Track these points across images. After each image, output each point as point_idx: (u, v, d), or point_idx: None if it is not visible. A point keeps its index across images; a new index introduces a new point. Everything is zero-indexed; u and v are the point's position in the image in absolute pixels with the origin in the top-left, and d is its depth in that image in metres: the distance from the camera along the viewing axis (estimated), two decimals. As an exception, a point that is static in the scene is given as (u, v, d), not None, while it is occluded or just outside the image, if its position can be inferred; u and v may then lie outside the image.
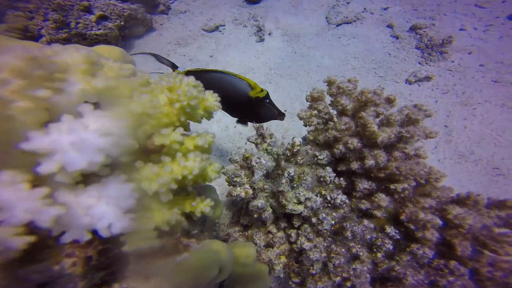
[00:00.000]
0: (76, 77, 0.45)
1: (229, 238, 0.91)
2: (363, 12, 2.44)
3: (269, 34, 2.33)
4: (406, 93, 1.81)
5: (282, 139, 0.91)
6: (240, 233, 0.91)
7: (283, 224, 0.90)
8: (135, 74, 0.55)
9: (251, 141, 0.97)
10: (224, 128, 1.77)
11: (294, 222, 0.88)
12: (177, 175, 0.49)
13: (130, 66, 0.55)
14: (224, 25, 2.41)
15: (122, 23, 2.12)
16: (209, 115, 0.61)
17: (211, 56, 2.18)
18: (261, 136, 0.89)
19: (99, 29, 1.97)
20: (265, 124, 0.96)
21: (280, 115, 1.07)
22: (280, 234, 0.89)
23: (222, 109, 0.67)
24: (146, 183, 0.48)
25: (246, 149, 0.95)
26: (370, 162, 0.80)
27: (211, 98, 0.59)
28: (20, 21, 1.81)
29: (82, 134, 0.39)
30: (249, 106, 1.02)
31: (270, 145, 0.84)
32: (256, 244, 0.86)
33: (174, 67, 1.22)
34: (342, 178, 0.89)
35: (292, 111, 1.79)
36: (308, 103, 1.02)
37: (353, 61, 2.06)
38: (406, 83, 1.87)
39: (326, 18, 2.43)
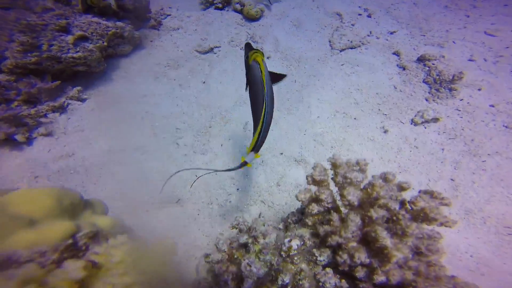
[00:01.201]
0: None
1: None
2: (368, 36, 2.29)
3: (267, 58, 2.17)
4: (411, 137, 1.69)
5: (276, 237, 0.78)
6: None
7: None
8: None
9: (234, 227, 0.84)
10: (213, 173, 1.63)
11: None
12: None
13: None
14: (220, 47, 2.24)
15: (105, 43, 1.93)
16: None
17: (204, 82, 2.02)
18: (253, 236, 0.76)
19: (77, 51, 1.78)
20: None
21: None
22: None
23: None
24: None
25: (232, 241, 0.82)
26: (380, 278, 0.68)
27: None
28: None
29: None
30: None
31: (263, 252, 0.72)
32: None
33: None
34: (344, 281, 0.77)
35: (289, 155, 1.66)
36: (309, 184, 0.89)
37: (356, 94, 1.93)
38: (411, 123, 1.75)
39: (330, 41, 2.28)
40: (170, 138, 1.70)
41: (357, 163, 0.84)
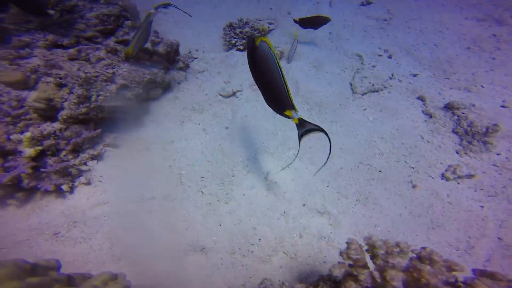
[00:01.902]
0: None
1: None
2: (390, 78, 2.30)
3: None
4: (443, 193, 1.63)
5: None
6: None
7: None
8: None
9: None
10: (237, 221, 1.66)
11: None
12: None
13: None
14: (242, 91, 2.35)
15: (141, 90, 2.10)
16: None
17: (227, 128, 2.10)
18: None
19: (117, 100, 1.94)
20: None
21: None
22: None
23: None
24: None
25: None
26: None
27: None
28: (49, 90, 1.78)
29: None
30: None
31: None
32: None
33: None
34: None
35: (312, 206, 1.65)
36: (344, 259, 0.88)
37: (380, 143, 1.92)
38: (442, 179, 1.69)
39: (351, 84, 2.32)
40: (196, 187, 1.76)
41: (397, 245, 0.82)
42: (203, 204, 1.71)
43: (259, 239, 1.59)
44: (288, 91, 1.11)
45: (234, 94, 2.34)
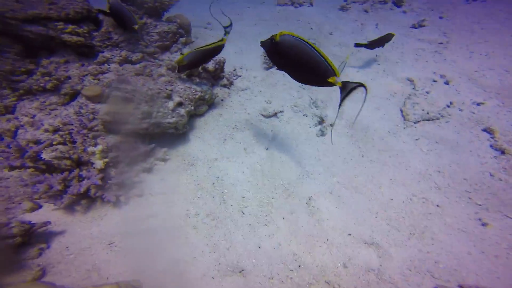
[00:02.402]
0: None
1: None
2: (448, 107, 2.14)
3: (331, 125, 2.20)
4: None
5: None
6: None
7: None
8: None
9: None
10: (276, 245, 1.63)
11: None
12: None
13: None
14: (283, 111, 2.39)
15: (192, 107, 2.23)
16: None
17: (267, 149, 2.14)
18: None
19: (173, 117, 2.05)
20: None
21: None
22: None
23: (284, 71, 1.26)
24: None
25: None
26: None
27: None
28: (118, 104, 2.02)
29: None
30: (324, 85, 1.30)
31: None
32: None
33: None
34: None
35: (358, 236, 1.56)
36: None
37: (436, 177, 1.76)
38: (521, 225, 1.47)
39: (401, 111, 2.20)
40: (237, 206, 1.80)
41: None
42: (243, 224, 1.73)
43: (299, 266, 1.54)
44: (327, 59, 1.22)
45: (275, 114, 2.39)
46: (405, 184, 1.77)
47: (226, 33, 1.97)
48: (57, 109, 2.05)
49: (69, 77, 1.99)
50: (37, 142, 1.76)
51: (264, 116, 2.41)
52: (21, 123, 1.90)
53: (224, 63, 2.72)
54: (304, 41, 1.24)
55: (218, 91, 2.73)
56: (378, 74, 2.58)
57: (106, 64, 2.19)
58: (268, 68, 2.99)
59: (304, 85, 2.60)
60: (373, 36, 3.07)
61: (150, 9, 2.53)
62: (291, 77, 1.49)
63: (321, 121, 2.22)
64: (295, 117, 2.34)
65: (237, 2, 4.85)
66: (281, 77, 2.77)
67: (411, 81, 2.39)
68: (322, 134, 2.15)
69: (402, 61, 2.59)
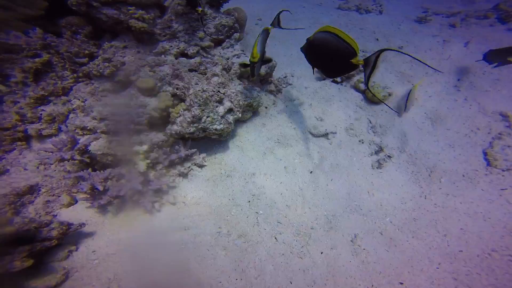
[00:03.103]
0: None
1: None
2: (552, 157, 1.71)
3: (389, 156, 1.93)
4: None
5: None
6: None
7: None
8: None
9: None
10: (311, 283, 1.49)
11: None
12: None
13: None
14: (335, 133, 2.19)
15: (240, 115, 2.17)
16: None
17: (311, 173, 1.98)
18: None
19: (221, 123, 1.98)
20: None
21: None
22: None
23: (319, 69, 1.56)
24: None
25: None
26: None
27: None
28: (167, 101, 2.00)
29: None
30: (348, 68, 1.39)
31: None
32: None
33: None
34: None
35: (413, 287, 1.34)
36: None
37: (527, 244, 1.42)
38: None
39: (485, 153, 1.86)
40: (271, 231, 1.71)
41: None
42: (276, 253, 1.63)
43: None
44: (345, 40, 1.29)
45: (326, 135, 2.21)
46: (481, 237, 1.50)
47: (273, 25, 1.86)
48: (107, 96, 2.14)
49: (124, 63, 2.04)
50: (84, 128, 1.84)
51: (312, 134, 2.25)
52: (73, 107, 2.01)
53: (275, 67, 2.58)
54: (331, 32, 1.34)
55: (263, 97, 2.62)
56: (457, 102, 2.21)
57: (163, 55, 2.18)
58: (320, 79, 2.78)
59: (364, 104, 2.35)
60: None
61: (212, -1, 2.45)
62: (323, 73, 1.73)
63: (379, 150, 1.98)
64: (349, 141, 2.13)
65: (290, 0, 4.59)
66: (337, 92, 2.56)
67: (505, 116, 1.98)
68: (379, 166, 1.91)
69: (495, 90, 2.19)
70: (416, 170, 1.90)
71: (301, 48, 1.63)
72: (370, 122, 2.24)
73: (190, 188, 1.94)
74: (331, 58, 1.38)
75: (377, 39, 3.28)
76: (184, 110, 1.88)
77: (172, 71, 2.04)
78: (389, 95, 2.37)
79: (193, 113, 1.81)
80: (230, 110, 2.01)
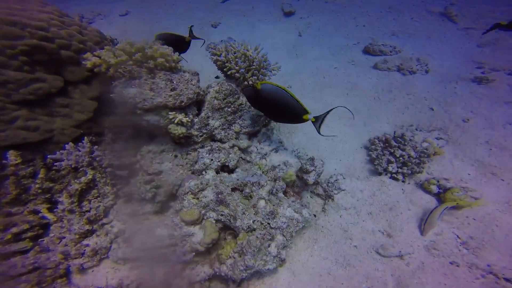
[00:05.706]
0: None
1: None
2: None
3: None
4: None
5: None
6: None
7: None
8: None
9: None
10: None
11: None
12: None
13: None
14: (412, 253, 1.82)
15: (291, 242, 1.96)
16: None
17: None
18: None
19: (273, 262, 1.79)
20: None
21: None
22: None
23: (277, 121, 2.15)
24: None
25: None
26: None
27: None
28: (213, 234, 1.86)
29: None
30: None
31: None
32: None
33: None
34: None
35: None
36: None
37: None
38: None
39: None
40: None
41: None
42: None
43: None
44: (298, 101, 1.65)
45: (400, 256, 1.84)
46: None
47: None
48: (149, 219, 2.14)
49: (161, 171, 1.99)
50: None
51: (380, 254, 1.90)
52: (115, 233, 2.02)
53: (322, 172, 2.34)
54: (281, 88, 1.67)
55: (309, 200, 2.37)
56: None
57: (205, 173, 2.10)
58: (376, 174, 2.46)
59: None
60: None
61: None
62: (268, 117, 2.14)
63: (484, 275, 1.53)
64: (435, 262, 1.73)
65: (321, 60, 4.25)
66: (401, 195, 2.23)
67: None
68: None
69: None
70: None
71: (242, 90, 1.95)
72: (458, 237, 1.82)
73: None
74: (284, 111, 1.72)
75: (432, 109, 2.98)
76: (235, 252, 1.75)
77: (216, 197, 1.92)
78: (475, 199, 1.96)
79: (246, 263, 1.66)
80: (283, 246, 1.82)
